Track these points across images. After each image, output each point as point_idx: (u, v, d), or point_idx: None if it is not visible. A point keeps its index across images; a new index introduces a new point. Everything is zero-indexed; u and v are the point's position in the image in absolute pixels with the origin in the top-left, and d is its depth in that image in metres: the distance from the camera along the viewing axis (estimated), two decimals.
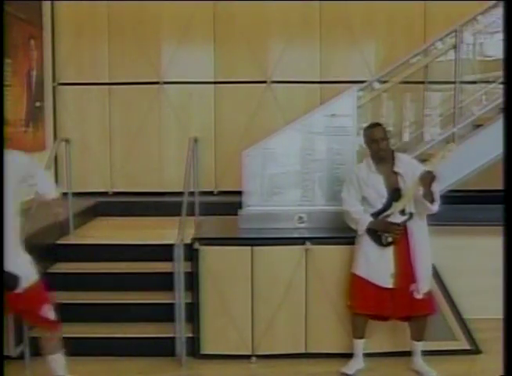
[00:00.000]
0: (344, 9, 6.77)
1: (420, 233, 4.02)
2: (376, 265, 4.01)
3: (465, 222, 5.11)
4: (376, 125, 4.14)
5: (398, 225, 3.95)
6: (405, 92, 6.33)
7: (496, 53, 5.63)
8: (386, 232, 3.97)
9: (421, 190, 3.86)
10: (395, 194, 3.98)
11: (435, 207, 3.92)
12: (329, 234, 4.54)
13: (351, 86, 4.94)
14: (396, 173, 4.01)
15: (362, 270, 4.07)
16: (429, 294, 4.07)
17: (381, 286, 3.99)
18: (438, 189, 3.92)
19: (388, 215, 3.97)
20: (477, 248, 5.08)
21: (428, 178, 3.83)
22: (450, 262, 4.54)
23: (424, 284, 4.01)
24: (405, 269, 3.99)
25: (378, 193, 4.02)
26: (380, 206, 4.01)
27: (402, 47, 6.40)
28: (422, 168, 3.94)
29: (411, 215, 3.97)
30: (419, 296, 3.99)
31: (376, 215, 4.02)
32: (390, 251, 4.00)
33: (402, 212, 3.96)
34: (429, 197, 3.87)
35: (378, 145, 4.00)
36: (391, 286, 3.99)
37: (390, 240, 3.98)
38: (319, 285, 4.39)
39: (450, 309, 4.47)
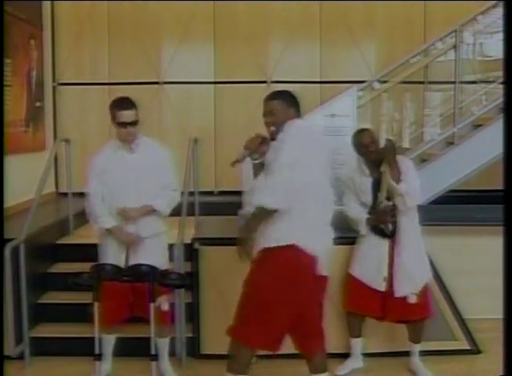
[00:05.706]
0: (344, 9, 6.78)
1: (408, 234, 3.97)
2: (371, 267, 4.01)
3: (465, 222, 5.10)
4: (362, 130, 4.13)
5: (384, 212, 3.93)
6: (405, 92, 6.34)
7: (496, 53, 5.65)
8: (381, 222, 3.98)
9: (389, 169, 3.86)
10: (376, 185, 3.98)
11: (403, 188, 3.85)
12: None
13: (351, 86, 4.94)
14: (382, 172, 4.00)
15: (356, 271, 4.09)
16: (425, 298, 4.03)
17: (374, 288, 4.00)
18: (411, 179, 3.88)
19: (378, 206, 3.97)
20: (477, 248, 5.07)
21: (389, 147, 3.88)
22: (450, 262, 4.54)
23: (403, 288, 3.93)
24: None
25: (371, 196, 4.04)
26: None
27: (401, 47, 6.41)
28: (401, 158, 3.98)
29: (394, 205, 3.94)
30: (412, 301, 3.97)
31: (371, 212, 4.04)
32: (385, 255, 3.99)
33: (388, 200, 3.95)
34: (395, 173, 3.86)
35: (367, 148, 4.01)
36: (383, 289, 3.99)
37: (391, 227, 3.98)
38: None
39: (450, 309, 4.46)
